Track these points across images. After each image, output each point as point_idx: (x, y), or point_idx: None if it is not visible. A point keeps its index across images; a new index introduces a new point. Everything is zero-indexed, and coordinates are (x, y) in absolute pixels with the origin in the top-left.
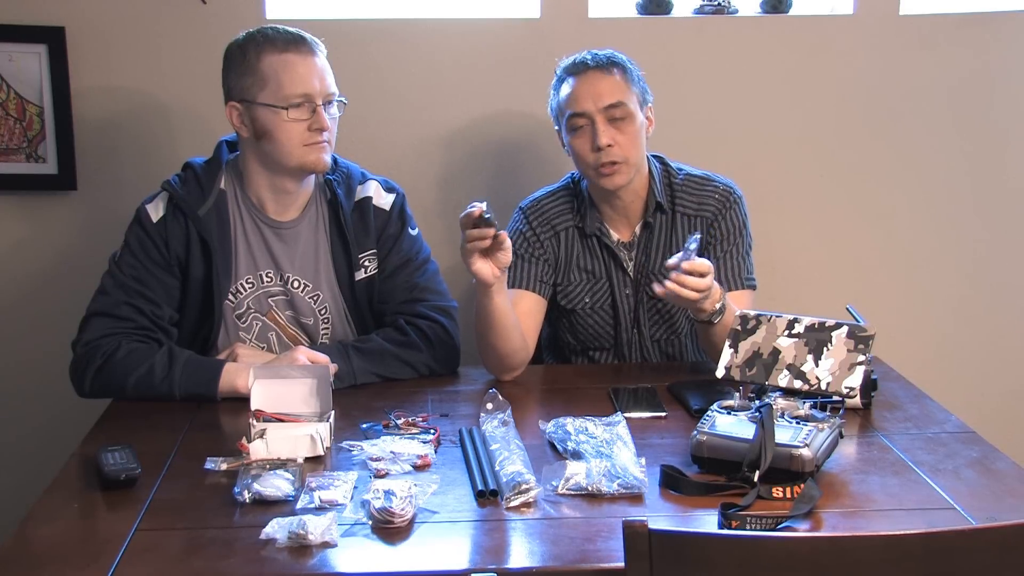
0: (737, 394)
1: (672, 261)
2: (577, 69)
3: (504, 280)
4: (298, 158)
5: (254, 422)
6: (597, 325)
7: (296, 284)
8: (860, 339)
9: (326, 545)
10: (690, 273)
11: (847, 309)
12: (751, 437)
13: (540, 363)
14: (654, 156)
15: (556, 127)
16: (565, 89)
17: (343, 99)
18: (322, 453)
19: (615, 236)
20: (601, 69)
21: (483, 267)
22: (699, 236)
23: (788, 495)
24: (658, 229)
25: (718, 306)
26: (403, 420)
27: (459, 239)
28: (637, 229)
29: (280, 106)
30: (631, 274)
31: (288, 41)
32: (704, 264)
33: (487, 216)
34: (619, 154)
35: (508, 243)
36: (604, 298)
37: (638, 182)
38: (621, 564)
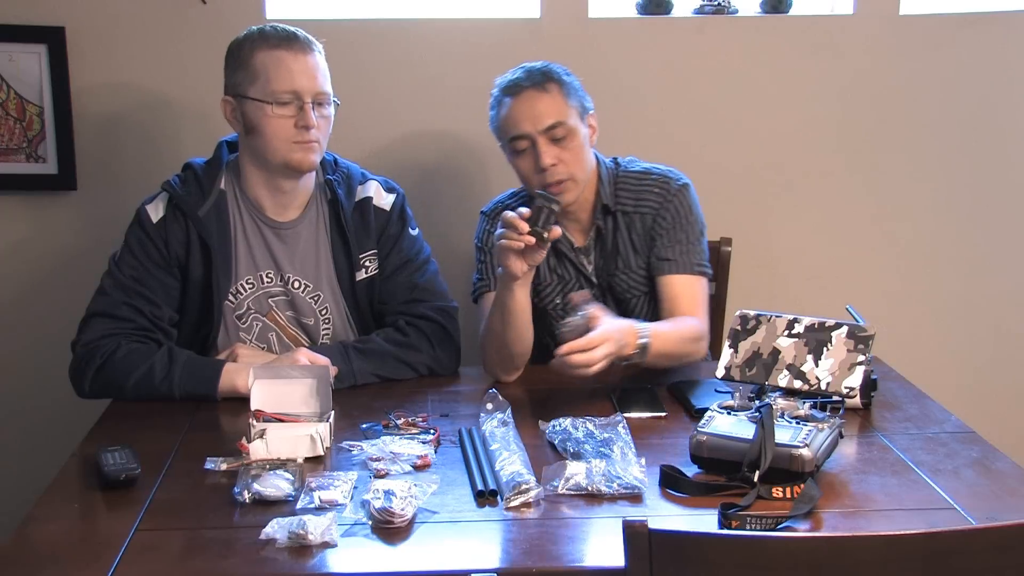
0: (737, 394)
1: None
2: (513, 89)
3: (530, 276)
4: (283, 155)
5: (254, 422)
6: None
7: (296, 284)
8: (860, 339)
9: (326, 545)
10: (579, 349)
11: (847, 309)
12: (751, 437)
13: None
14: (611, 158)
15: (499, 143)
16: (503, 110)
17: (336, 100)
18: (322, 453)
19: (572, 241)
20: (537, 87)
21: (514, 262)
22: (585, 311)
23: (788, 495)
24: (608, 231)
25: (637, 349)
26: (403, 420)
27: (459, 239)
28: (593, 233)
29: (267, 101)
30: (592, 278)
31: (281, 38)
32: (588, 340)
33: (539, 230)
34: (564, 172)
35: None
36: None
37: (586, 188)
38: (621, 564)
